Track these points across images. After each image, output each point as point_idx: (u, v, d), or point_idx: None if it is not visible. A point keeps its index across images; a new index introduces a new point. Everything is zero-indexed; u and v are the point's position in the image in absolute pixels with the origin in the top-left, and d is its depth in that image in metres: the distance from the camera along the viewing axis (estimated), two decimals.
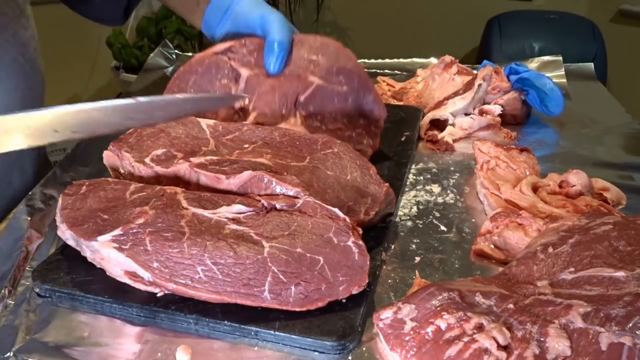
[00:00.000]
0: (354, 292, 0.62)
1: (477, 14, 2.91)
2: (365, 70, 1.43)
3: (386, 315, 0.60)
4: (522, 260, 0.67)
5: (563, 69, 1.37)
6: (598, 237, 0.65)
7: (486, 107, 1.12)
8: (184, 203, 0.67)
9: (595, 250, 0.63)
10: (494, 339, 0.54)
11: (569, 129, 1.14)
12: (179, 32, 2.80)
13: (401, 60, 1.47)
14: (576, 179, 0.83)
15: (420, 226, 0.82)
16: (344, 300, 0.62)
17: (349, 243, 0.64)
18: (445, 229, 0.81)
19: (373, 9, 3.25)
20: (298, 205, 0.68)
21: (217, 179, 0.72)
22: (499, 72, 1.15)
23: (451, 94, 1.12)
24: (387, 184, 0.77)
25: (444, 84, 1.19)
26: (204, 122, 0.83)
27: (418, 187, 0.91)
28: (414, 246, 0.77)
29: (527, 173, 0.89)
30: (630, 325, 0.53)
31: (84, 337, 0.62)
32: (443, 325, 0.57)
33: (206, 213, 0.67)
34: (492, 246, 0.76)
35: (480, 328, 0.56)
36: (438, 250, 0.77)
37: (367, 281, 0.63)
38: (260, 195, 0.70)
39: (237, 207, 0.67)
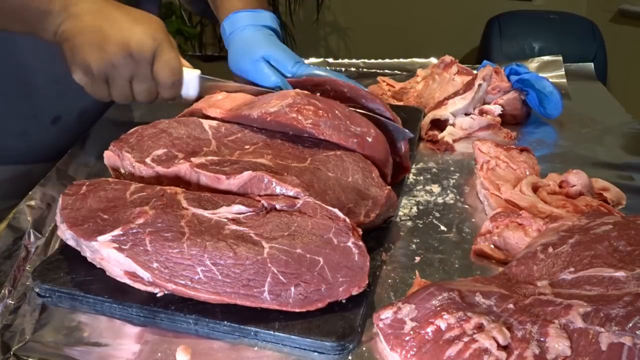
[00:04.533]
0: (354, 293, 0.62)
1: (477, 14, 2.91)
2: (365, 70, 1.43)
3: (386, 315, 0.60)
4: (522, 260, 0.67)
5: (563, 69, 1.37)
6: (598, 237, 0.65)
7: (486, 107, 1.12)
8: (184, 203, 0.67)
9: (595, 250, 0.63)
10: (494, 339, 0.54)
11: (569, 128, 1.14)
12: (179, 32, 2.79)
13: (401, 60, 1.47)
14: (576, 179, 0.83)
15: (420, 226, 0.82)
16: (343, 301, 0.62)
17: (349, 244, 0.64)
18: (445, 229, 0.81)
19: (373, 9, 3.25)
20: (298, 205, 0.68)
21: (217, 179, 0.72)
22: (499, 72, 1.15)
23: (451, 94, 1.12)
24: (389, 187, 0.76)
25: (444, 84, 1.19)
26: (207, 123, 0.83)
27: (418, 187, 0.91)
28: (414, 246, 0.77)
29: (527, 173, 0.89)
30: (630, 325, 0.53)
31: (84, 337, 0.62)
32: (443, 325, 0.57)
33: (206, 213, 0.66)
34: (492, 246, 0.76)
35: (480, 328, 0.56)
36: (438, 250, 0.77)
37: (367, 282, 0.62)
38: (260, 196, 0.69)
39: (237, 208, 0.67)
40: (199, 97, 0.90)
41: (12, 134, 1.00)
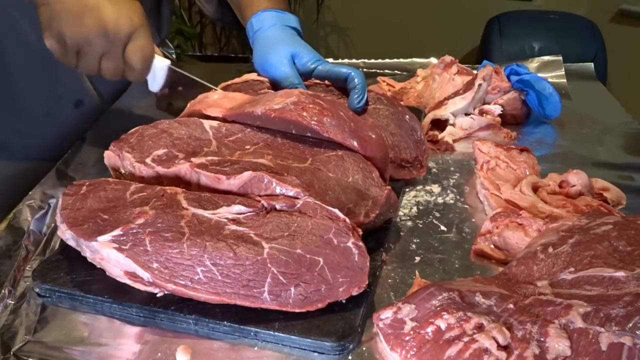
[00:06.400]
0: (354, 293, 0.62)
1: (477, 14, 2.91)
2: (365, 70, 1.44)
3: (386, 315, 0.60)
4: (522, 260, 0.67)
5: (563, 69, 1.37)
6: (598, 237, 0.65)
7: (486, 107, 1.12)
8: (184, 203, 0.67)
9: (595, 250, 0.63)
10: (494, 339, 0.54)
11: (569, 129, 1.14)
12: (179, 32, 2.80)
13: (401, 60, 1.47)
14: (576, 179, 0.83)
15: (420, 226, 0.82)
16: (343, 301, 0.62)
17: (349, 244, 0.64)
18: (445, 229, 0.81)
19: (373, 9, 3.25)
20: (298, 205, 0.68)
21: (217, 179, 0.72)
22: (499, 72, 1.15)
23: (451, 94, 1.12)
24: (389, 188, 0.76)
25: (444, 84, 1.19)
26: (208, 123, 0.82)
27: (418, 187, 0.91)
28: (414, 246, 0.77)
29: (527, 173, 0.89)
30: (630, 325, 0.53)
31: (84, 337, 0.62)
32: (443, 325, 0.57)
33: (206, 213, 0.66)
34: (492, 246, 0.76)
35: (480, 328, 0.56)
36: (438, 250, 0.77)
37: (367, 282, 0.62)
38: (260, 196, 0.69)
39: (237, 208, 0.67)
40: (165, 87, 0.93)
41: (36, 114, 1.02)
